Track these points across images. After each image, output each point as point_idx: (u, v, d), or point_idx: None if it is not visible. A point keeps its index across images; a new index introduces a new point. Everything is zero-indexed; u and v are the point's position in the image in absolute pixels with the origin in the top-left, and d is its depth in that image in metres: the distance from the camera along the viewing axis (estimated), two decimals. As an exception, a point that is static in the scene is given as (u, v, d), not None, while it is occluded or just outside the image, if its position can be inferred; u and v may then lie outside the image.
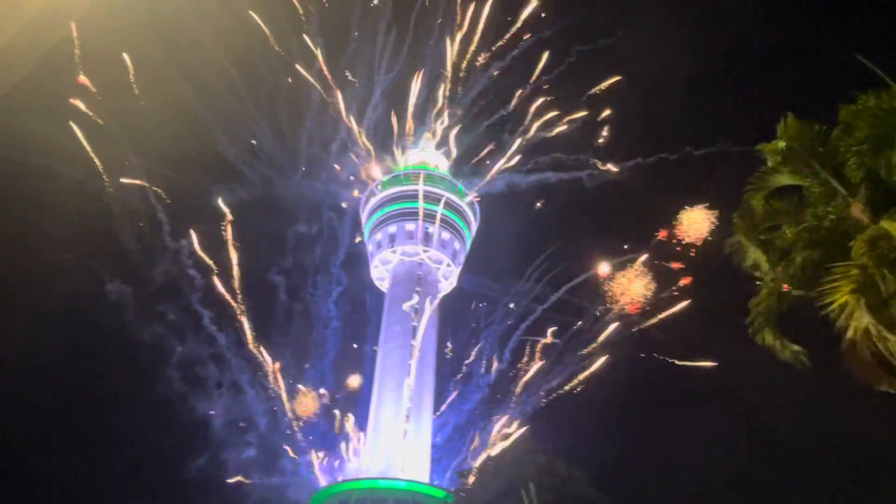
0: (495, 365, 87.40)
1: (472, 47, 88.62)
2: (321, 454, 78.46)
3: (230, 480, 77.37)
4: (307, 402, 78.15)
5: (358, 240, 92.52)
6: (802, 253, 17.56)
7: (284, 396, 79.54)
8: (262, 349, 79.54)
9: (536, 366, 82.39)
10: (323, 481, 75.37)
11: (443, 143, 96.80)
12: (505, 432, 76.57)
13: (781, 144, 18.11)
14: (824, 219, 17.43)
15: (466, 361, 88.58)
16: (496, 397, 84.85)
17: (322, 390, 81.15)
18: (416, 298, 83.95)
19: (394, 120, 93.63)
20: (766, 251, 18.71)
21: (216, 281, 79.92)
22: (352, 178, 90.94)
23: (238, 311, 79.02)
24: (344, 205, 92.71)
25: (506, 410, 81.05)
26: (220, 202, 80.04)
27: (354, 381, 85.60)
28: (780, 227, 18.73)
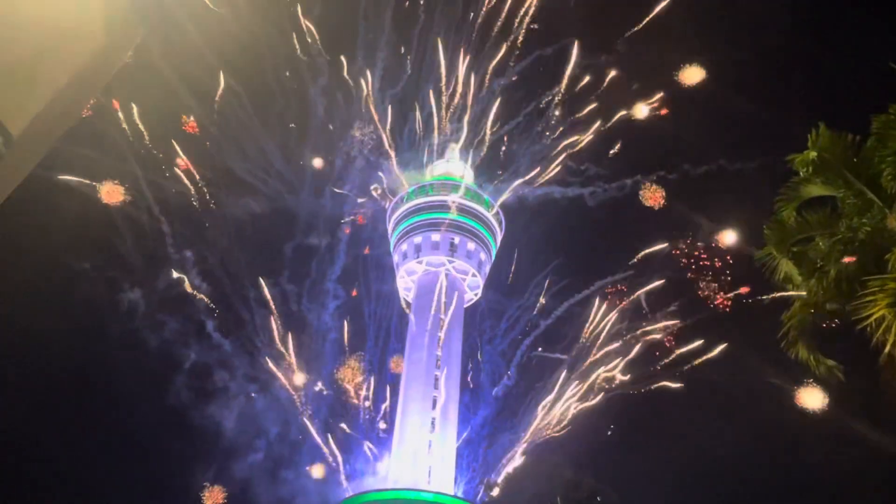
0: (511, 377, 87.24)
1: (499, 53, 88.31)
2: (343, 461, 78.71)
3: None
4: (350, 374, 78.68)
5: (368, 251, 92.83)
6: (837, 265, 17.22)
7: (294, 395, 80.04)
8: (289, 350, 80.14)
9: (557, 384, 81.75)
10: (349, 490, 75.59)
11: (467, 151, 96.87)
12: (527, 446, 75.95)
13: (813, 155, 17.82)
14: (859, 230, 17.09)
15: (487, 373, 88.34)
16: (518, 409, 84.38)
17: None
18: (430, 310, 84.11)
19: (417, 123, 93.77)
20: (799, 264, 18.37)
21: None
22: (374, 188, 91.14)
23: (274, 323, 79.73)
24: (359, 220, 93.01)
25: (528, 424, 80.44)
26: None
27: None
28: (812, 239, 18.39)
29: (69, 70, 2.68)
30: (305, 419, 79.30)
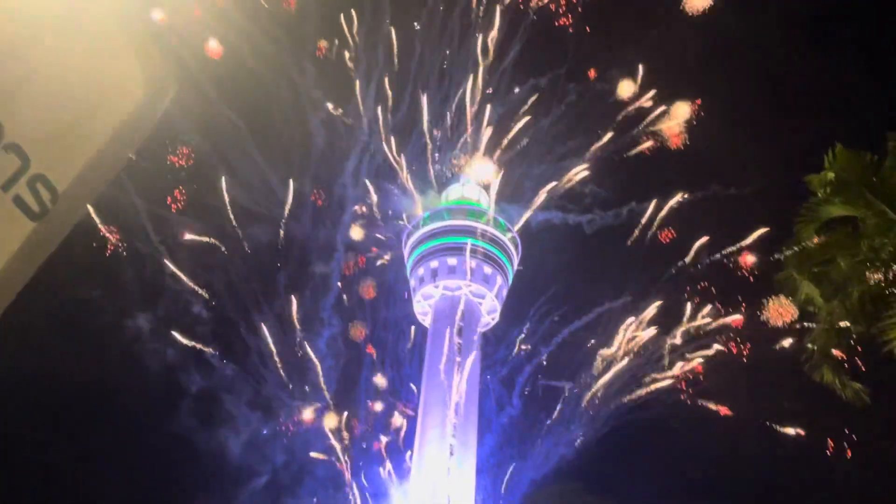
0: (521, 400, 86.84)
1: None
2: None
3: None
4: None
5: (376, 260, 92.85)
6: (859, 287, 16.98)
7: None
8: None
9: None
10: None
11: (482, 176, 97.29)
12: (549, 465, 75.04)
13: (830, 175, 17.71)
14: (881, 251, 16.87)
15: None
16: (522, 438, 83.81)
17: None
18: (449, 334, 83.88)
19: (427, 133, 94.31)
20: (819, 285, 18.14)
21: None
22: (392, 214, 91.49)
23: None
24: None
25: (548, 444, 79.67)
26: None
27: (397, 419, 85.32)
28: (833, 260, 18.17)
29: (111, 127, 2.84)
30: (335, 446, 79.11)
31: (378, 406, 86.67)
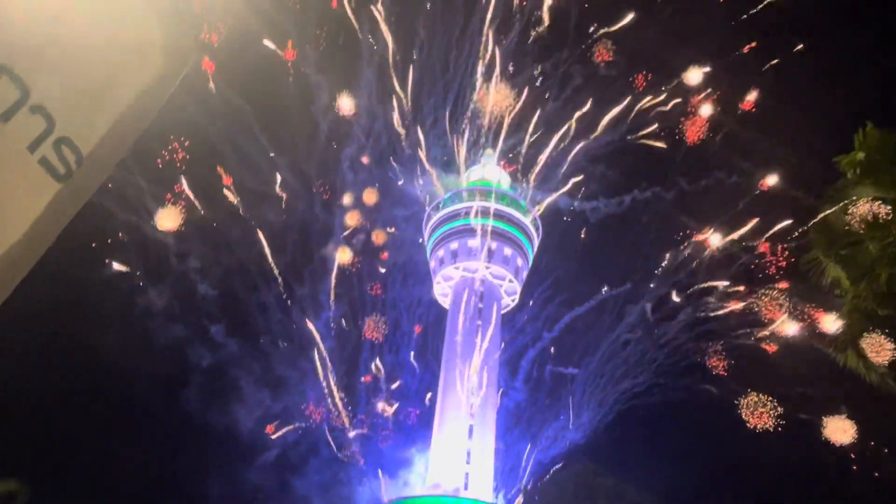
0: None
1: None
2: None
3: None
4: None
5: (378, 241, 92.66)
6: (888, 269, 16.62)
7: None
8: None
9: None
10: (386, 496, 75.99)
11: (504, 156, 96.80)
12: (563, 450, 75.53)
13: (860, 156, 17.28)
14: (911, 233, 16.48)
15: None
16: (528, 423, 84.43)
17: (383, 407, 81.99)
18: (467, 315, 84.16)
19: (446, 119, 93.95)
20: (847, 268, 17.79)
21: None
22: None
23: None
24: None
25: (566, 425, 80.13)
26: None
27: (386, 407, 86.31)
28: (861, 242, 17.79)
29: (133, 92, 2.88)
30: (349, 426, 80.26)
31: (394, 386, 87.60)
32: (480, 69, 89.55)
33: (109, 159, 2.78)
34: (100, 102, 2.75)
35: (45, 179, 2.54)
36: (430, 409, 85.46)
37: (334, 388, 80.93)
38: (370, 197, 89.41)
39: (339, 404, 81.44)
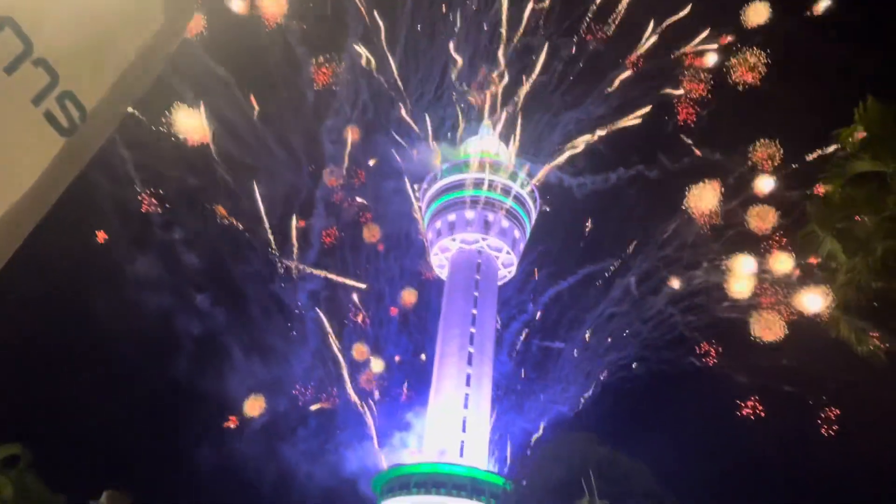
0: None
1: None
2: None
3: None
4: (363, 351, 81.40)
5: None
6: (883, 243, 16.71)
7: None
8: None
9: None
10: (384, 464, 77.25)
11: (502, 128, 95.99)
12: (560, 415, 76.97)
13: (860, 129, 17.23)
14: (908, 207, 16.53)
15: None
16: (551, 379, 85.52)
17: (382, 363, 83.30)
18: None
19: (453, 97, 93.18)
20: (843, 241, 17.88)
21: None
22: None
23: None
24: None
25: (559, 391, 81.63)
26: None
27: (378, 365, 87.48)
28: (858, 216, 17.86)
29: (134, 48, 2.88)
30: (350, 391, 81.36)
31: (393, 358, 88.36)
32: (469, 43, 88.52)
33: (113, 115, 2.79)
34: (102, 58, 2.74)
35: (49, 133, 2.55)
36: (423, 374, 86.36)
37: (336, 349, 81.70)
38: (354, 133, 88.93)
39: (342, 362, 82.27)
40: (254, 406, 74.87)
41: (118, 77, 2.75)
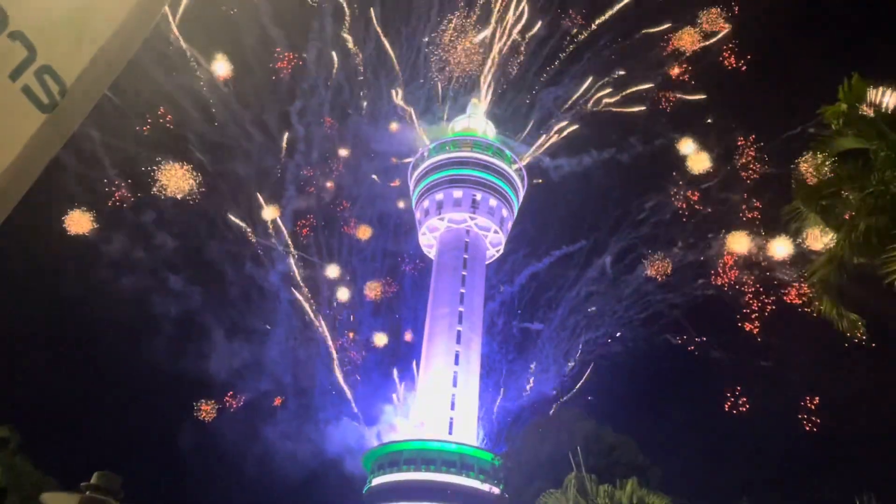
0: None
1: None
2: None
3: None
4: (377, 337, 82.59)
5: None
6: (866, 220, 16.89)
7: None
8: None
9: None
10: (374, 441, 77.93)
11: (490, 107, 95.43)
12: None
13: (844, 107, 17.31)
14: (891, 184, 16.68)
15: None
16: (539, 357, 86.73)
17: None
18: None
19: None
20: (827, 218, 18.07)
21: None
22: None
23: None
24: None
25: (546, 367, 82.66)
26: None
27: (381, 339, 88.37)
28: (842, 193, 18.03)
29: (113, 23, 2.82)
30: (336, 371, 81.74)
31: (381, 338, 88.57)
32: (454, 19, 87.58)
33: (93, 91, 2.73)
34: (80, 31, 2.68)
35: (29, 109, 2.49)
36: (410, 354, 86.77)
37: (325, 329, 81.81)
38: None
39: (331, 342, 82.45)
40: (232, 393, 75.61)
41: (98, 50, 2.68)
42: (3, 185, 2.47)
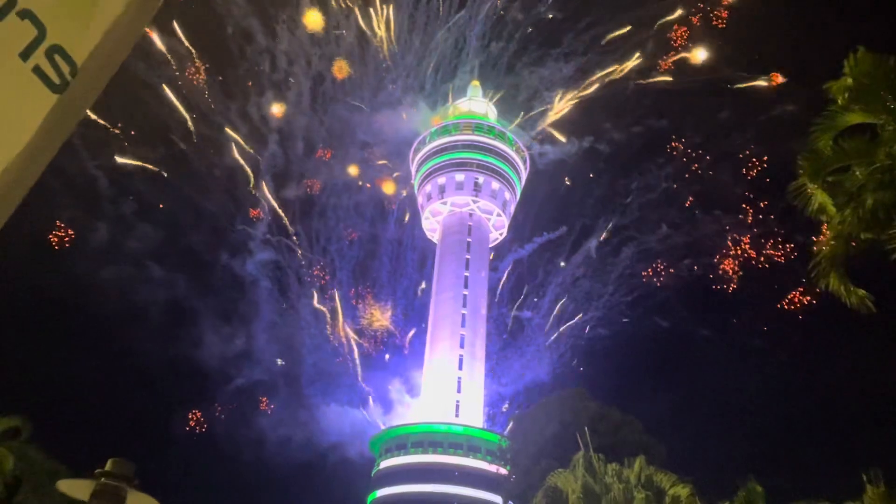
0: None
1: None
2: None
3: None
4: (376, 315, 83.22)
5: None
6: (874, 195, 16.78)
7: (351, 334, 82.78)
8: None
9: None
10: (381, 424, 78.55)
11: (490, 89, 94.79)
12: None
13: (850, 81, 17.12)
14: (899, 158, 16.55)
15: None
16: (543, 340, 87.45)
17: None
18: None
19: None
20: (834, 194, 17.97)
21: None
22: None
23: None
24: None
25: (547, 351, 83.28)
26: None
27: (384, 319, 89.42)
28: (849, 168, 17.90)
29: (121, 0, 2.78)
30: (355, 353, 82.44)
31: (382, 317, 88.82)
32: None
33: (105, 70, 2.69)
34: (89, 9, 2.64)
35: (40, 89, 2.46)
36: (415, 338, 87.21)
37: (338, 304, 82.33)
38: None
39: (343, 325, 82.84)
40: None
41: (106, 31, 2.65)
42: (20, 166, 2.44)
